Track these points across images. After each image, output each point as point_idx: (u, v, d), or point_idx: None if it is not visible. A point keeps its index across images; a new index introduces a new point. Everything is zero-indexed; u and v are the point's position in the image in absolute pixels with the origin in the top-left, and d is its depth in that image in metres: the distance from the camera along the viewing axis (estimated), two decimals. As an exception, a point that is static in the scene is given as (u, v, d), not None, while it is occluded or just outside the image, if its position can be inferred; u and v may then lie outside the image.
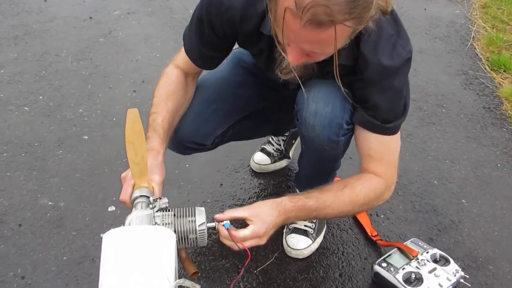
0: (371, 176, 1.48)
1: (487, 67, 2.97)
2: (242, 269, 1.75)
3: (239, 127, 1.79)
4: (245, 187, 2.10)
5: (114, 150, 2.23)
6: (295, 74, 1.35)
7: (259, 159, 2.18)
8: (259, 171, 2.18)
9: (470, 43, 3.19)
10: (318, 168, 1.71)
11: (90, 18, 3.27)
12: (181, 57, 1.57)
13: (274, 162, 2.19)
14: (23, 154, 2.19)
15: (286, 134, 2.18)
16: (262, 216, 1.34)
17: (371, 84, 1.36)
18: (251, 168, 2.18)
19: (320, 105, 1.46)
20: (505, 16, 3.50)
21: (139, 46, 2.98)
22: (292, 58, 1.22)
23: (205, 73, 1.67)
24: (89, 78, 2.70)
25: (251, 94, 1.76)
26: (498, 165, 2.30)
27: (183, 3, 3.43)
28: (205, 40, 1.49)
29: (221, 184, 2.10)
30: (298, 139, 2.18)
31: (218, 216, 1.34)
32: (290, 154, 2.22)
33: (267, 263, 1.80)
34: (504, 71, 2.91)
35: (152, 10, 3.38)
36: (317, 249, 1.86)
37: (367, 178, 1.48)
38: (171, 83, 1.55)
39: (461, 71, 2.92)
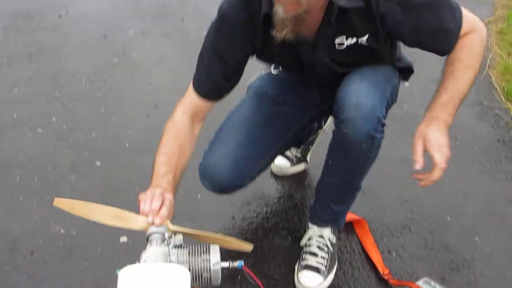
0: (461, 42, 1.59)
1: (502, 97, 2.95)
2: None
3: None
4: (257, 220, 2.10)
5: (126, 178, 2.23)
6: (289, 28, 1.42)
7: (280, 162, 2.27)
8: (280, 174, 2.30)
9: (485, 71, 3.17)
10: (346, 178, 1.76)
11: (104, 37, 3.28)
12: (189, 99, 1.66)
13: (293, 165, 2.30)
14: (35, 179, 2.20)
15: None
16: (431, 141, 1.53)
17: (393, 13, 1.45)
18: (263, 201, 2.18)
19: (361, 98, 1.53)
20: (522, 43, 3.49)
21: (153, 68, 2.99)
22: (282, 10, 1.34)
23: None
24: (102, 100, 2.71)
25: (288, 122, 1.85)
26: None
27: (199, 25, 3.43)
28: (218, 69, 1.60)
29: (233, 217, 2.10)
30: (315, 143, 2.33)
31: None
32: (308, 158, 2.34)
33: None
34: (520, 102, 2.90)
35: (167, 31, 3.38)
36: (329, 287, 1.85)
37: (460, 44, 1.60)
38: (180, 138, 1.62)
39: (476, 101, 2.90)
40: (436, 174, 1.54)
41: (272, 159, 1.99)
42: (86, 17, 3.48)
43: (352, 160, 1.65)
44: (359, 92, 1.54)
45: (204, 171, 1.77)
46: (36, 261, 1.86)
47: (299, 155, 2.30)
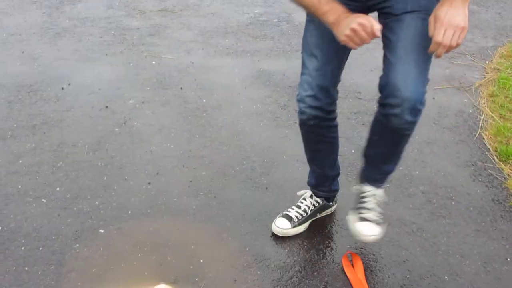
0: None
1: (495, 157, 3.03)
2: None
3: None
4: (259, 283, 2.13)
5: (129, 244, 2.27)
6: None
7: (281, 223, 2.36)
8: (280, 235, 2.36)
9: (478, 133, 3.27)
10: (393, 147, 2.08)
11: (106, 107, 3.38)
12: None
13: (294, 227, 2.37)
14: (40, 248, 2.24)
15: (319, 201, 2.43)
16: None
17: None
18: (264, 264, 2.22)
19: (408, 92, 1.78)
20: (512, 105, 3.60)
21: (153, 137, 3.08)
22: None
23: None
24: (104, 169, 2.78)
25: None
26: (508, 259, 2.32)
27: (197, 93, 3.55)
28: None
29: (235, 280, 2.13)
30: (323, 214, 2.48)
31: None
32: (307, 224, 2.42)
33: None
34: (513, 162, 2.98)
35: (166, 100, 3.49)
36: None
37: None
38: None
39: (469, 162, 2.98)
40: (439, 50, 1.73)
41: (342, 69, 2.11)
42: (88, 89, 3.59)
43: (398, 137, 1.99)
44: (407, 83, 1.79)
45: (302, 101, 2.03)
46: (42, 330, 1.89)
47: (300, 217, 2.37)
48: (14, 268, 2.15)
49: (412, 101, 1.79)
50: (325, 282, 2.16)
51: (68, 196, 2.57)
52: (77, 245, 2.27)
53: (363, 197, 2.23)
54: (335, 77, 2.03)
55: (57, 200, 2.53)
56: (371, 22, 1.68)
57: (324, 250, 2.32)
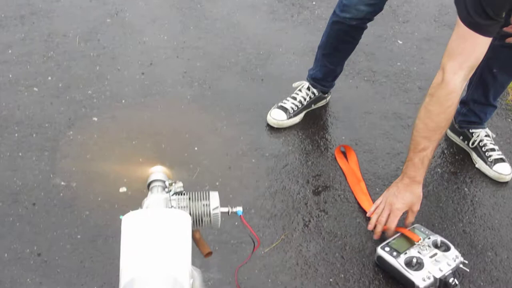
0: None
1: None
2: (250, 255, 1.79)
3: None
4: (253, 171, 2.15)
5: (123, 132, 2.27)
6: None
7: (276, 115, 2.36)
8: (276, 126, 2.36)
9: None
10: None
11: (97, -3, 3.27)
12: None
13: (289, 118, 2.37)
14: (34, 135, 2.23)
15: (316, 92, 2.43)
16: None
17: None
18: (258, 153, 2.22)
19: None
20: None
21: (146, 28, 3.00)
22: None
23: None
24: (97, 59, 2.72)
25: None
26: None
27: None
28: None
29: (230, 167, 2.14)
30: (318, 105, 2.49)
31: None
32: (302, 115, 2.43)
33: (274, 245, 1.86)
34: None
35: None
36: (322, 234, 1.92)
37: None
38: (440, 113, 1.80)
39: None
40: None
41: None
42: (77, -22, 3.46)
43: None
44: None
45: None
46: (39, 211, 1.91)
47: (295, 108, 2.37)
48: (8, 154, 2.15)
49: None
50: (319, 171, 2.18)
51: (60, 85, 2.53)
52: (71, 132, 2.26)
53: (479, 141, 2.29)
54: None
55: (49, 89, 2.50)
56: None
57: (319, 141, 2.33)
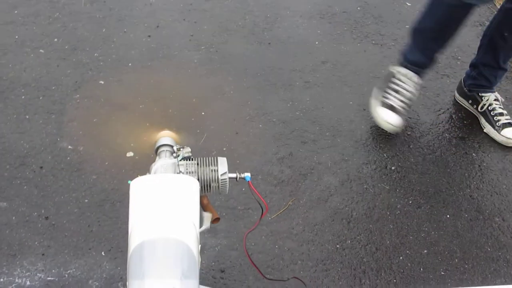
0: None
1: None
2: (259, 221, 1.80)
3: None
4: (261, 136, 2.14)
5: (130, 96, 2.25)
6: None
7: (391, 118, 2.15)
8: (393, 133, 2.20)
9: (491, -6, 3.15)
10: None
11: (102, -42, 3.22)
12: None
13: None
14: (40, 98, 2.22)
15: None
16: None
17: None
18: (266, 118, 2.21)
19: None
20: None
21: (152, -11, 2.96)
22: None
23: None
24: (103, 21, 2.69)
25: None
26: None
27: None
28: None
29: (237, 133, 2.13)
30: None
31: None
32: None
33: (281, 211, 1.87)
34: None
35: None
36: (328, 201, 1.92)
37: None
38: None
39: (477, 22, 2.90)
40: None
41: None
42: None
43: None
44: None
45: None
46: (46, 175, 1.91)
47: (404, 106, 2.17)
48: (15, 116, 2.14)
49: None
50: (334, 135, 2.17)
51: (66, 47, 2.50)
52: (78, 95, 2.25)
53: (488, 106, 2.28)
54: None
55: (55, 51, 2.47)
56: None
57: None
